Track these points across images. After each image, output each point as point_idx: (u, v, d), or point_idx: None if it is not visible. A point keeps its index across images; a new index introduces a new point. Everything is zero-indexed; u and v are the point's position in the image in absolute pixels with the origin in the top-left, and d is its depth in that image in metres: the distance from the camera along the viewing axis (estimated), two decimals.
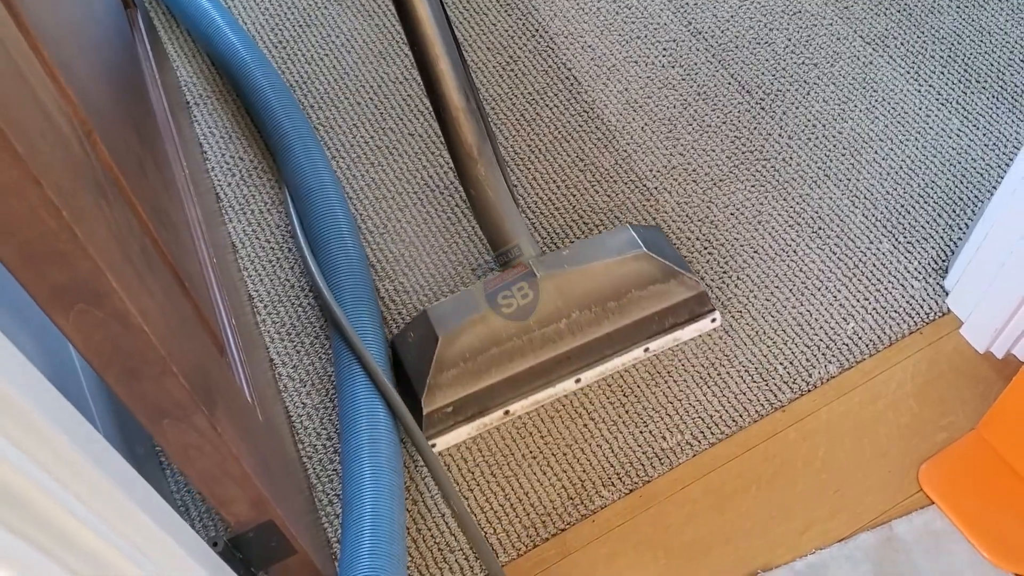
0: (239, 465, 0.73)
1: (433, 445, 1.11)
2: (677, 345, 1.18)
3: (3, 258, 0.48)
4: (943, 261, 1.24)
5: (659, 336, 1.16)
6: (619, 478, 1.10)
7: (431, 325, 1.09)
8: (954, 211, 1.28)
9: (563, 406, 1.15)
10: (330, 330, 1.20)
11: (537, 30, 1.49)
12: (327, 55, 1.47)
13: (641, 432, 1.13)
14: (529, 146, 1.37)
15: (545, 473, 1.10)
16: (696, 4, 1.52)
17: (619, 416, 1.14)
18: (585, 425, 1.13)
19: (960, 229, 1.27)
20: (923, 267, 1.24)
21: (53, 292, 0.52)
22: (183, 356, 0.65)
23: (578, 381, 1.15)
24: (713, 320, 1.18)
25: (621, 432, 1.13)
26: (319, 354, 1.20)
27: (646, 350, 1.16)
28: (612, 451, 1.11)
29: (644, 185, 1.33)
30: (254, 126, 1.39)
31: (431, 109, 1.13)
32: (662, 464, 1.10)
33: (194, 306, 0.83)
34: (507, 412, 1.13)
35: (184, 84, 1.46)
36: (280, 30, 1.50)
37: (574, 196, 1.31)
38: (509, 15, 1.51)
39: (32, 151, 0.46)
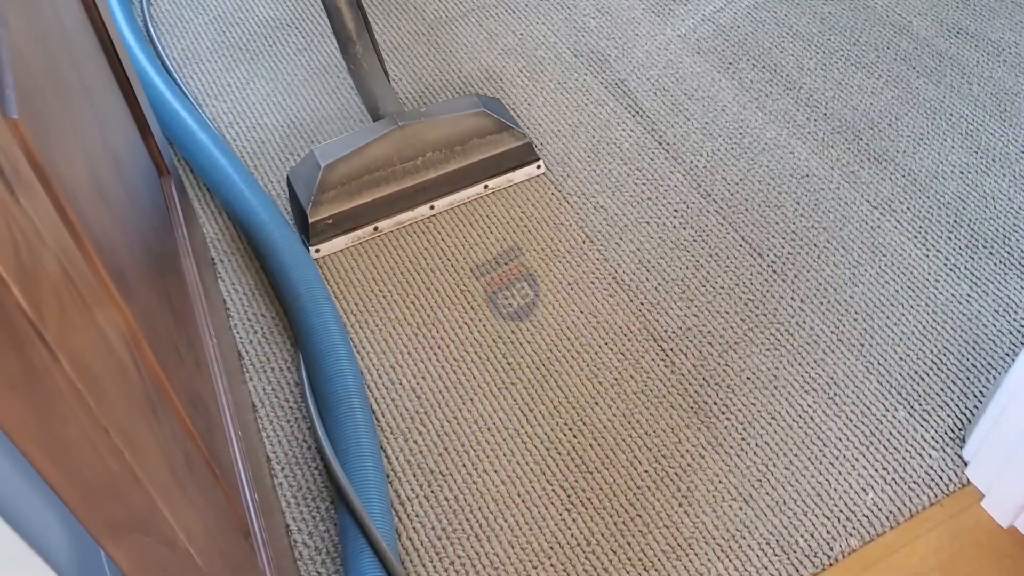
0: None
1: (317, 251, 1.45)
2: (510, 184, 1.53)
3: (66, 499, 0.49)
4: (960, 430, 1.25)
5: (496, 176, 1.53)
6: None
7: (315, 158, 1.42)
8: (968, 379, 1.30)
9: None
10: (337, 503, 1.20)
11: (551, 188, 1.54)
12: None
13: None
14: (543, 302, 1.39)
15: None
16: (706, 167, 1.57)
17: None
18: None
19: (975, 397, 1.28)
20: (940, 436, 1.24)
21: (108, 525, 0.52)
22: (220, 564, 0.65)
23: (432, 208, 1.50)
24: (538, 167, 1.55)
25: None
26: (334, 520, 1.19)
27: (485, 187, 1.52)
28: None
29: (660, 346, 1.34)
30: (270, 285, 1.41)
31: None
32: None
33: (224, 493, 0.83)
34: (376, 228, 1.48)
35: (209, 240, 1.49)
36: None
37: (589, 353, 1.33)
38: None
39: (101, 400, 0.47)
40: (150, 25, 1.80)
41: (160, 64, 1.69)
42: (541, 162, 1.54)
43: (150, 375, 0.64)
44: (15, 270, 0.40)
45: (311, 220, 1.41)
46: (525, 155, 1.53)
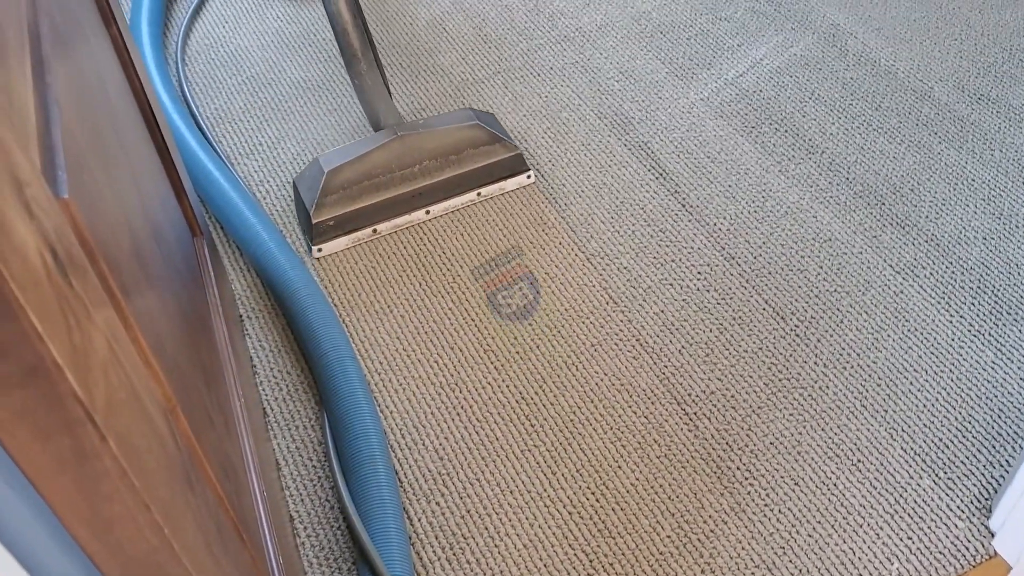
0: None
1: (319, 250, 1.56)
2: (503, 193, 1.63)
3: (105, 572, 0.50)
4: (986, 500, 1.24)
5: (488, 184, 1.63)
6: None
7: (320, 164, 1.54)
8: (994, 447, 1.29)
9: None
10: (359, 558, 1.20)
11: (574, 249, 1.55)
12: (373, 267, 1.53)
13: None
14: (566, 362, 1.40)
15: None
16: (729, 230, 1.58)
17: None
18: None
19: (1001, 466, 1.27)
20: (966, 506, 1.24)
21: None
22: None
23: (428, 212, 1.61)
24: (528, 176, 1.66)
25: None
26: None
27: (479, 194, 1.63)
28: None
29: (684, 410, 1.35)
30: (297, 343, 1.43)
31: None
32: None
33: (251, 557, 0.84)
34: (375, 230, 1.58)
35: (238, 297, 1.51)
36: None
37: (612, 416, 1.33)
38: (547, 233, 1.57)
39: (144, 477, 0.49)
40: (185, 85, 1.85)
41: (194, 123, 1.73)
42: (532, 172, 1.66)
43: (186, 446, 0.66)
44: (69, 354, 0.42)
45: (314, 221, 1.52)
46: (516, 165, 1.64)
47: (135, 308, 0.62)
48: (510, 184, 1.65)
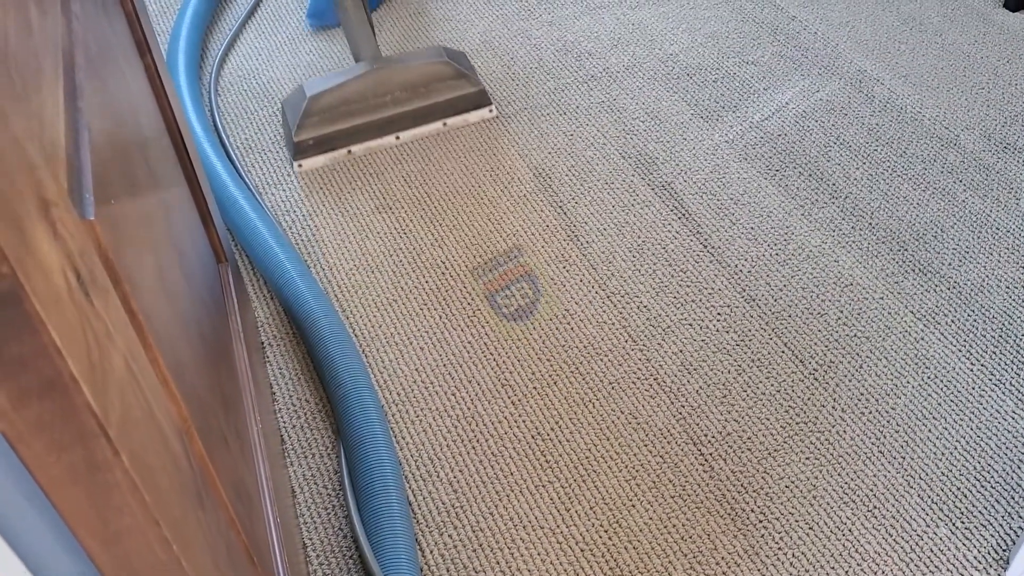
0: None
1: (300, 166, 1.77)
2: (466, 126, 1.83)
3: None
4: (1004, 551, 1.22)
5: (452, 116, 1.84)
6: None
7: (304, 90, 1.74)
8: (1013, 498, 1.28)
9: None
10: None
11: (594, 287, 1.56)
12: (394, 301, 1.55)
13: None
14: (582, 398, 1.40)
15: None
16: (750, 271, 1.59)
17: None
18: None
19: (1020, 517, 1.26)
20: (982, 556, 1.22)
21: None
22: None
23: (398, 138, 1.81)
24: (490, 111, 1.86)
25: None
26: None
27: (444, 124, 1.84)
28: None
29: (699, 450, 1.34)
30: (316, 372, 1.44)
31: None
32: None
33: None
34: (350, 151, 1.79)
35: (260, 324, 1.53)
36: (353, 276, 1.59)
37: (627, 454, 1.33)
38: (568, 270, 1.59)
39: (155, 492, 0.50)
40: (216, 115, 1.88)
41: (224, 152, 1.76)
42: (493, 106, 1.86)
43: (199, 466, 0.67)
44: (86, 370, 0.43)
45: (296, 140, 1.74)
46: (479, 100, 1.84)
47: (155, 330, 0.63)
48: (473, 116, 1.85)
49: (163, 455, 0.54)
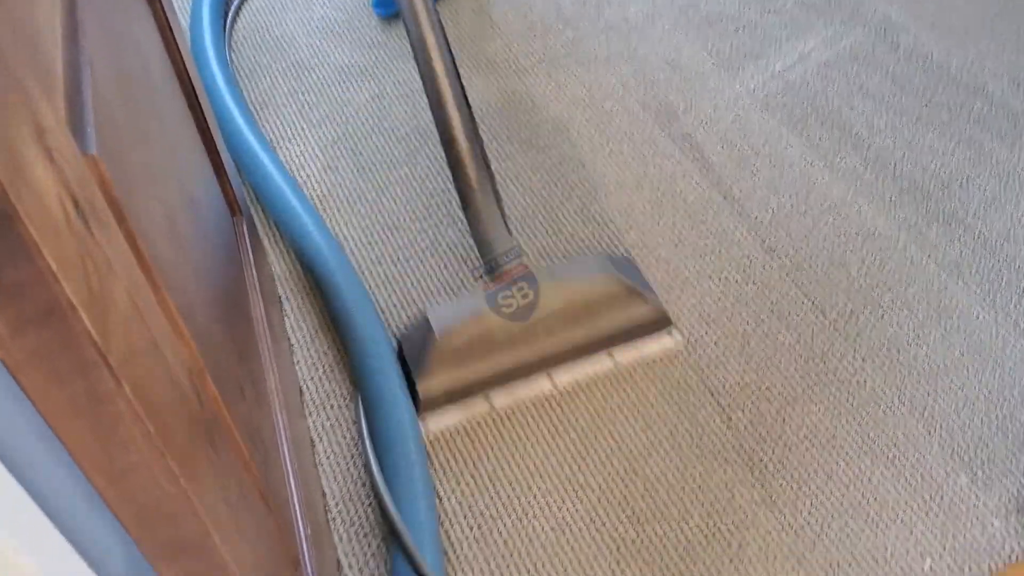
0: None
1: (425, 425, 1.31)
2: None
3: (122, 519, 0.51)
4: None
5: (625, 347, 1.38)
6: None
7: (429, 323, 1.31)
8: None
9: None
10: (388, 535, 1.21)
11: (613, 240, 1.55)
12: (412, 257, 1.54)
13: None
14: None
15: None
16: (771, 222, 1.57)
17: None
18: None
19: None
20: (1003, 505, 1.21)
21: (161, 547, 0.54)
22: None
23: (553, 382, 1.35)
24: (672, 337, 1.39)
25: None
26: (386, 558, 1.20)
27: (612, 359, 1.37)
28: None
29: (717, 400, 1.34)
30: (332, 326, 1.44)
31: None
32: None
33: (276, 525, 0.85)
34: (492, 404, 1.33)
35: (278, 278, 1.53)
36: (370, 232, 1.58)
37: (644, 406, 1.33)
38: (587, 224, 1.57)
39: (161, 428, 0.50)
40: (231, 70, 1.87)
41: (244, 107, 1.75)
42: (676, 332, 1.40)
43: (211, 408, 0.67)
44: (85, 299, 0.43)
45: (421, 393, 1.30)
46: (658, 325, 1.39)
47: (164, 271, 0.63)
48: (650, 347, 1.39)
49: (170, 392, 0.54)
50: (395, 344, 1.39)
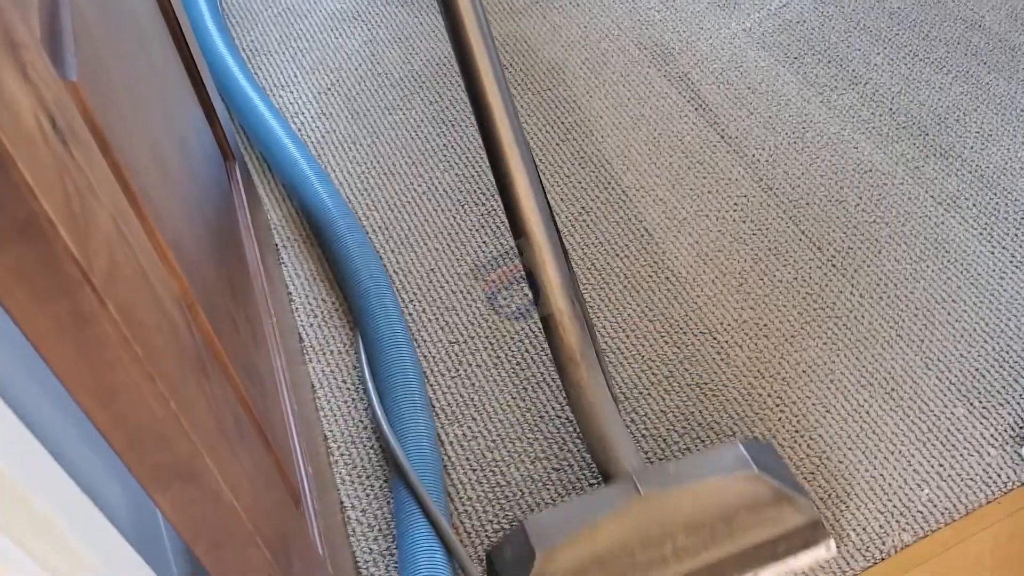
0: None
1: None
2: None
3: (112, 443, 0.51)
4: (1020, 428, 1.22)
5: (771, 565, 1.08)
6: None
7: (528, 539, 1.03)
8: None
9: None
10: (393, 478, 1.22)
11: (610, 182, 1.54)
12: (408, 202, 1.54)
13: None
14: (599, 294, 1.39)
15: None
16: (767, 160, 1.56)
17: None
18: None
19: None
20: (999, 434, 1.22)
21: (153, 472, 0.55)
22: (266, 524, 0.68)
23: None
24: (828, 548, 1.10)
25: None
26: (388, 498, 1.22)
27: None
28: None
29: (715, 338, 1.34)
30: (331, 270, 1.44)
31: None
32: None
33: (275, 460, 0.85)
34: None
35: (274, 226, 1.53)
36: (365, 178, 1.58)
37: (643, 346, 1.33)
38: (583, 167, 1.57)
39: (149, 350, 0.50)
40: (222, 16, 1.85)
41: (237, 53, 1.73)
42: (832, 542, 1.11)
43: (202, 336, 0.67)
44: (65, 216, 0.42)
45: None
46: (811, 534, 1.10)
47: (151, 201, 0.63)
48: (800, 561, 1.10)
49: (158, 316, 0.54)
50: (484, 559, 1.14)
